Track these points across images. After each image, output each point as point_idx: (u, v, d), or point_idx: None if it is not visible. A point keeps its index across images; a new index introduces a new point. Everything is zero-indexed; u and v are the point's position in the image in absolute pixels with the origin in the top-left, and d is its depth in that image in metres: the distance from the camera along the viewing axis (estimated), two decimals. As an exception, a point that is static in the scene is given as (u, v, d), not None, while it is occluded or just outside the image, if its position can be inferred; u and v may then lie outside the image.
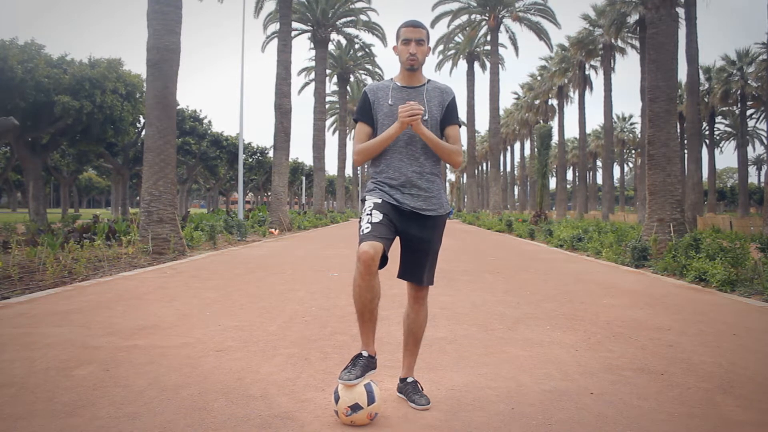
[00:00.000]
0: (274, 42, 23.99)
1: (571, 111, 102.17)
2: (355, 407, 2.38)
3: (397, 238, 2.68)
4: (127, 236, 9.77)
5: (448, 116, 2.72)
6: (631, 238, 11.44)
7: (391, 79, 2.77)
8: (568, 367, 3.31)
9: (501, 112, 40.49)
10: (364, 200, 2.69)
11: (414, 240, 2.67)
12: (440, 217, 2.71)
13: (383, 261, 2.50)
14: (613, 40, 32.83)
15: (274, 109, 19.67)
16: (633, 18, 28.45)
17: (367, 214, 2.58)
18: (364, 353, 2.54)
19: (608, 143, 35.24)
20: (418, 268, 2.69)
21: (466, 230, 23.42)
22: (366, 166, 63.79)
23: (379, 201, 2.62)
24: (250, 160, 48.56)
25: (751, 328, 4.54)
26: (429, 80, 2.76)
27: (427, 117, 2.64)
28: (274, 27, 26.75)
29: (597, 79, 41.32)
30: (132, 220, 13.33)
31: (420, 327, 2.78)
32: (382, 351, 3.48)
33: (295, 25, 26.47)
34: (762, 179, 70.04)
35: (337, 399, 2.44)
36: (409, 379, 2.77)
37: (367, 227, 2.53)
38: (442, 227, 2.75)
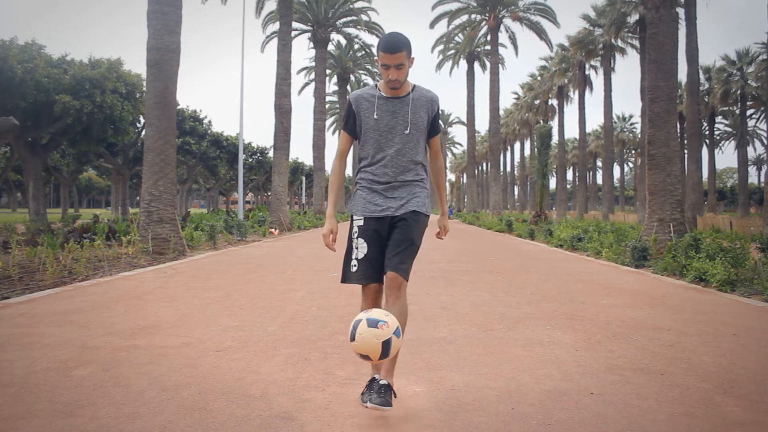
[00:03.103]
0: (274, 42, 23.96)
1: (571, 111, 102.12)
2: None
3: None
4: (127, 236, 9.78)
5: (434, 127, 2.75)
6: (631, 238, 11.44)
7: (376, 85, 2.71)
8: (568, 367, 3.31)
9: (501, 112, 40.51)
10: (352, 217, 2.70)
11: (394, 227, 2.66)
12: (422, 214, 2.68)
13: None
14: (613, 40, 32.85)
15: (274, 109, 19.68)
16: (633, 18, 28.47)
17: (355, 246, 2.64)
18: (377, 377, 2.55)
19: (608, 143, 35.26)
20: (390, 250, 2.60)
21: (466, 230, 23.41)
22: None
23: (362, 223, 2.65)
24: (250, 160, 48.53)
25: (751, 328, 4.54)
26: (414, 86, 2.69)
27: (408, 131, 2.64)
28: (274, 27, 26.75)
29: (597, 79, 41.30)
30: (132, 220, 13.33)
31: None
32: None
33: (295, 25, 26.44)
34: (762, 179, 70.04)
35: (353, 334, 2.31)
36: (382, 381, 2.49)
37: (354, 265, 2.62)
38: (423, 225, 2.71)
